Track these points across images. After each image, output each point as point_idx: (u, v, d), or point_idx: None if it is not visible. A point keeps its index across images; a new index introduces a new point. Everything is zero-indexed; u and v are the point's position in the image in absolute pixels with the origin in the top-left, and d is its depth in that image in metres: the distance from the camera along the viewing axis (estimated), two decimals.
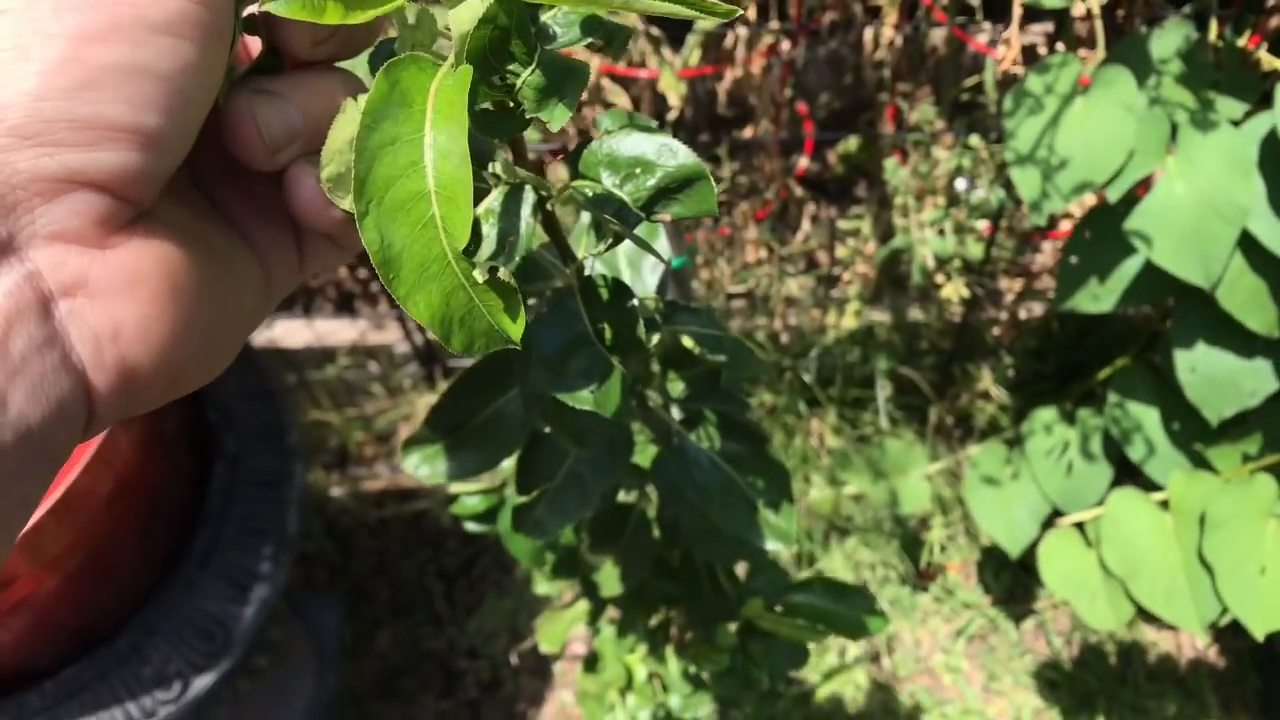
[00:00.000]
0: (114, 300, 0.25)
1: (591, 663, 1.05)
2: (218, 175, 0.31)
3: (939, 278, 1.32)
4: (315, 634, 1.48)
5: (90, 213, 0.25)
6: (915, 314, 1.46)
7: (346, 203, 0.29)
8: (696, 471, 0.54)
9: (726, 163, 1.39)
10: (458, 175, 0.26)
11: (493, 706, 1.50)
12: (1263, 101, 1.06)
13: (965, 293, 1.30)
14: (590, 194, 0.35)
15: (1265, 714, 1.43)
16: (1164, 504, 1.19)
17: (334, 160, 0.29)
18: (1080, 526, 1.27)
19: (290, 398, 1.26)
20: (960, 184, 1.31)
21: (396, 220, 0.26)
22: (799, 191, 1.45)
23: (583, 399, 0.39)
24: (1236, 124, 1.05)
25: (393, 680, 1.53)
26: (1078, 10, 1.17)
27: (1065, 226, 1.47)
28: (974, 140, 1.26)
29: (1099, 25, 1.17)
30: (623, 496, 0.74)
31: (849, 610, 0.79)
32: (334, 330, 1.49)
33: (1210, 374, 1.12)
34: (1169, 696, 1.45)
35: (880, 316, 1.46)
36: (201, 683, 1.06)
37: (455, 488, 0.85)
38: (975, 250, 1.31)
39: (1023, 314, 1.48)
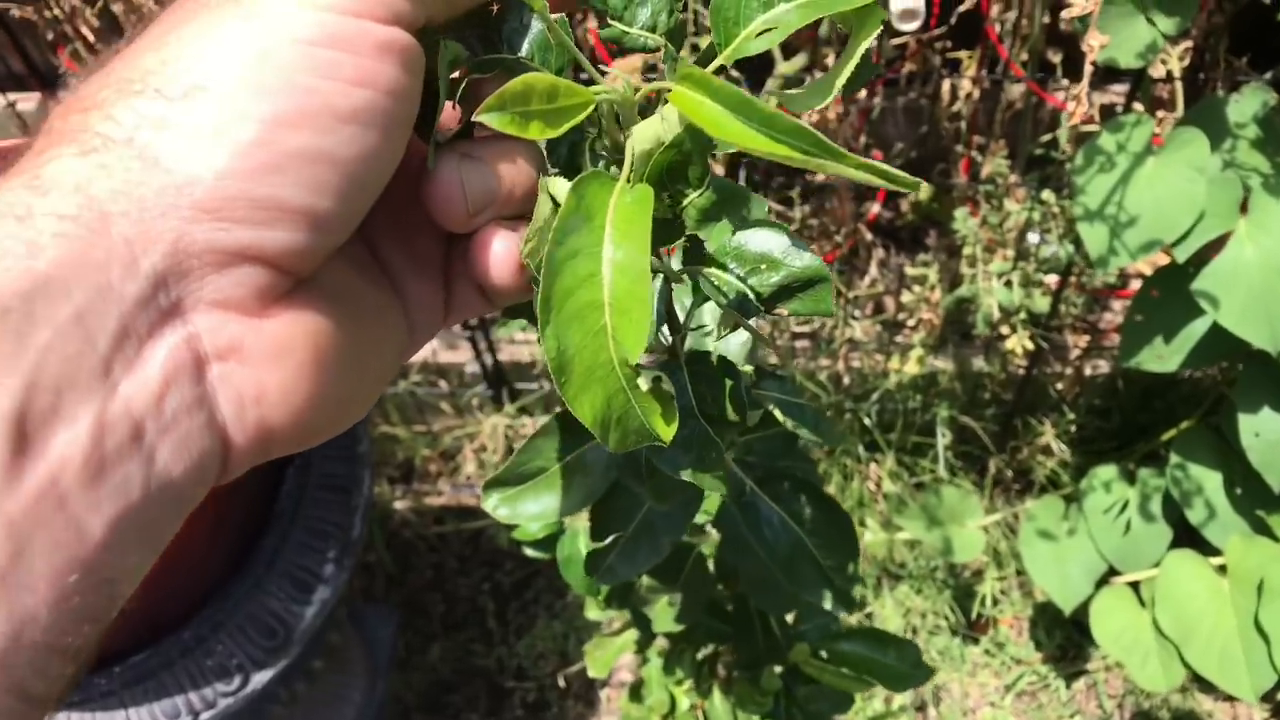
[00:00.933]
0: (262, 367, 0.27)
1: (637, 690, 1.07)
2: (382, 228, 0.33)
3: (1004, 329, 1.33)
4: (369, 642, 1.51)
5: (253, 284, 0.26)
6: (979, 364, 1.47)
7: (536, 273, 0.32)
8: (767, 530, 0.55)
9: (799, 205, 1.41)
10: (634, 290, 0.28)
11: None
12: None
13: (1029, 345, 1.30)
14: (716, 283, 0.37)
15: None
16: (1221, 568, 1.18)
17: (533, 237, 0.32)
18: (1135, 586, 1.26)
19: None
20: (1032, 238, 1.31)
21: (571, 327, 0.28)
22: (869, 236, 1.47)
23: (682, 470, 0.40)
24: None
25: (441, 694, 1.56)
26: (1157, 71, 1.17)
27: (1136, 285, 1.47)
28: (1046, 195, 1.27)
29: (1179, 87, 1.17)
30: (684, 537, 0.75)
31: (894, 662, 0.79)
32: None
33: (1274, 440, 1.11)
34: None
35: (944, 364, 1.47)
36: (260, 678, 1.10)
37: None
38: (1041, 304, 1.32)
39: (1088, 370, 1.48)
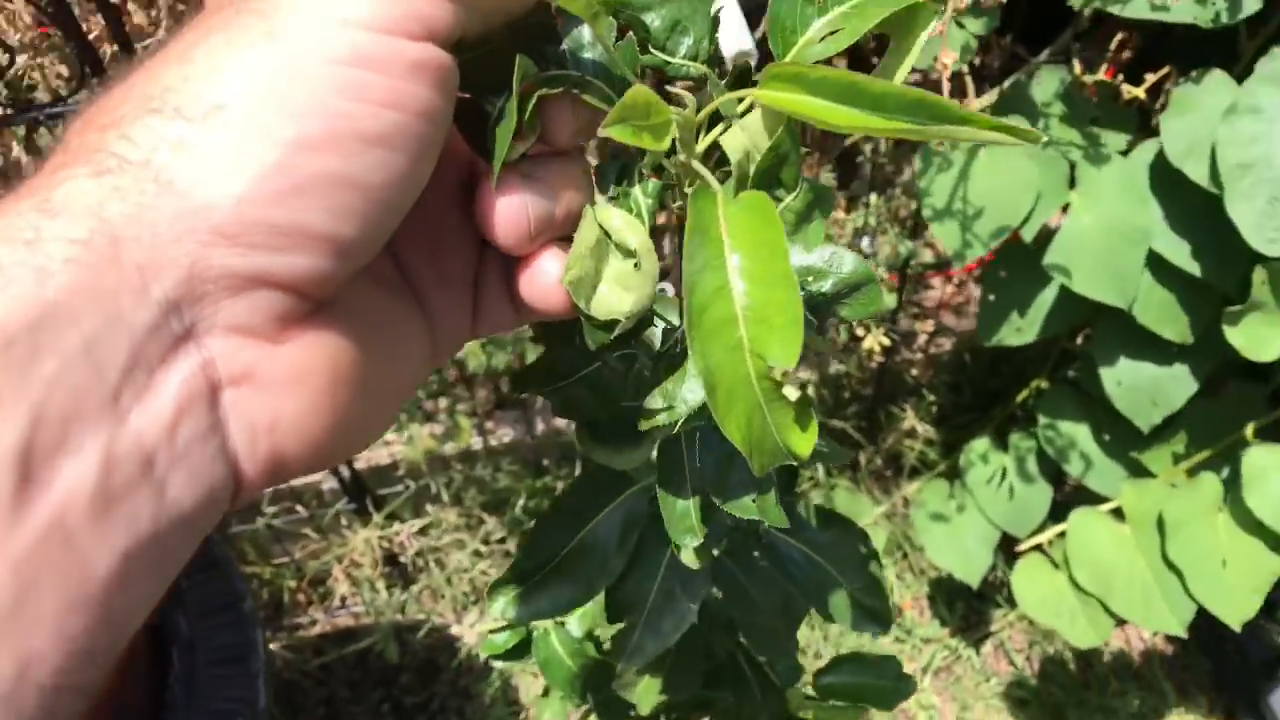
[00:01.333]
0: (277, 394, 0.26)
1: None
2: (408, 238, 0.31)
3: (859, 331, 1.36)
4: None
5: (269, 309, 0.25)
6: (836, 366, 1.50)
7: (583, 304, 0.31)
8: (793, 568, 0.54)
9: None
10: (772, 297, 0.27)
11: None
12: (1141, 130, 1.15)
13: (886, 342, 1.34)
14: None
15: (1218, 691, 1.50)
16: (1116, 512, 1.25)
17: (576, 265, 0.31)
18: (1041, 549, 1.32)
19: (234, 562, 1.19)
20: (864, 242, 1.35)
21: (711, 344, 0.27)
22: None
23: (746, 508, 0.39)
24: (1124, 154, 1.12)
25: None
26: (938, 66, 1.23)
27: (955, 265, 1.54)
28: (873, 199, 1.31)
29: (968, 80, 1.23)
30: None
31: (880, 680, 0.79)
32: None
33: (1135, 385, 1.18)
34: (1131, 692, 1.51)
35: (805, 374, 1.49)
36: None
37: (480, 627, 0.81)
38: (889, 300, 1.36)
39: (933, 349, 1.54)
